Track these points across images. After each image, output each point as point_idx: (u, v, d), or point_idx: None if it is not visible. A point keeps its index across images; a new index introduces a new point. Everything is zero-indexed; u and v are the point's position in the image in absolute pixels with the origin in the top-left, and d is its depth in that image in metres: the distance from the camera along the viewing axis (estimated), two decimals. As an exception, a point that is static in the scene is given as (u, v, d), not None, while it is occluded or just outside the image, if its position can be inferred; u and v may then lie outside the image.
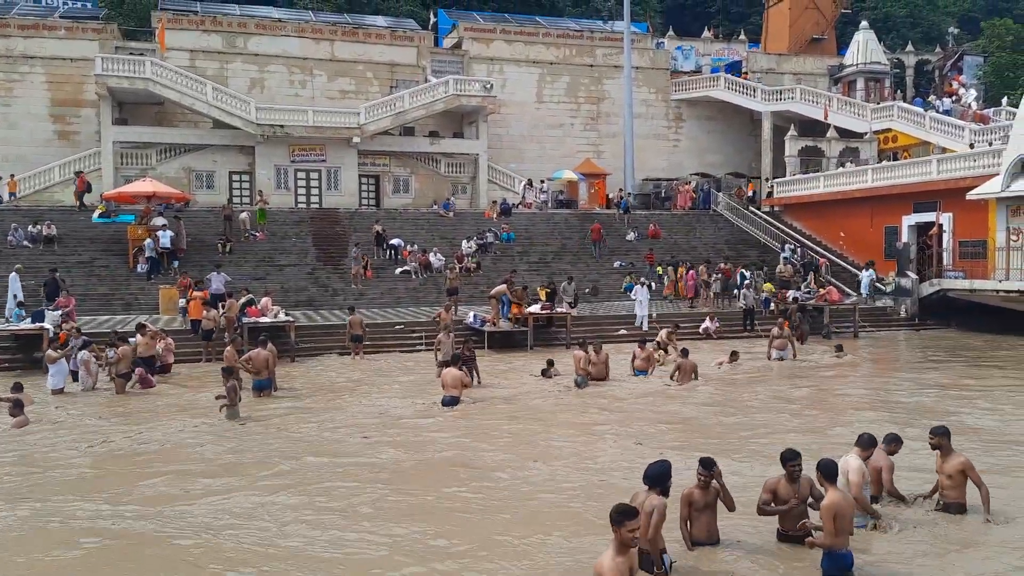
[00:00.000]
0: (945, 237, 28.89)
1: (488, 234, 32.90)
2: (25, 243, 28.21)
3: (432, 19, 46.60)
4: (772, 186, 38.60)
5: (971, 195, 26.84)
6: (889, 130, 37.66)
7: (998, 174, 26.13)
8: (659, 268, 31.63)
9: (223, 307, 21.90)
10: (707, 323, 25.01)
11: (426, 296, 28.39)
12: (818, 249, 33.78)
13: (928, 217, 29.71)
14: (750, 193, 39.45)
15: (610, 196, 39.63)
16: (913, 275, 28.69)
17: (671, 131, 43.96)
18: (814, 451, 9.17)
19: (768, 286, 28.36)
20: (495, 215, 35.26)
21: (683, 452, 10.58)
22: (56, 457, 11.44)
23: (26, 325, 20.10)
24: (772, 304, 26.79)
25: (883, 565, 7.31)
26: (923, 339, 25.53)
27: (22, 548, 7.96)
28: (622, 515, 5.70)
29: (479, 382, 17.10)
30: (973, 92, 44.07)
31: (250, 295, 23.19)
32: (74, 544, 8.06)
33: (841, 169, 35.25)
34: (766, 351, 20.74)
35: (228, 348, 17.49)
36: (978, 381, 17.48)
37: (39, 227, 28.63)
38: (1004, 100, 41.20)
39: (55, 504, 9.24)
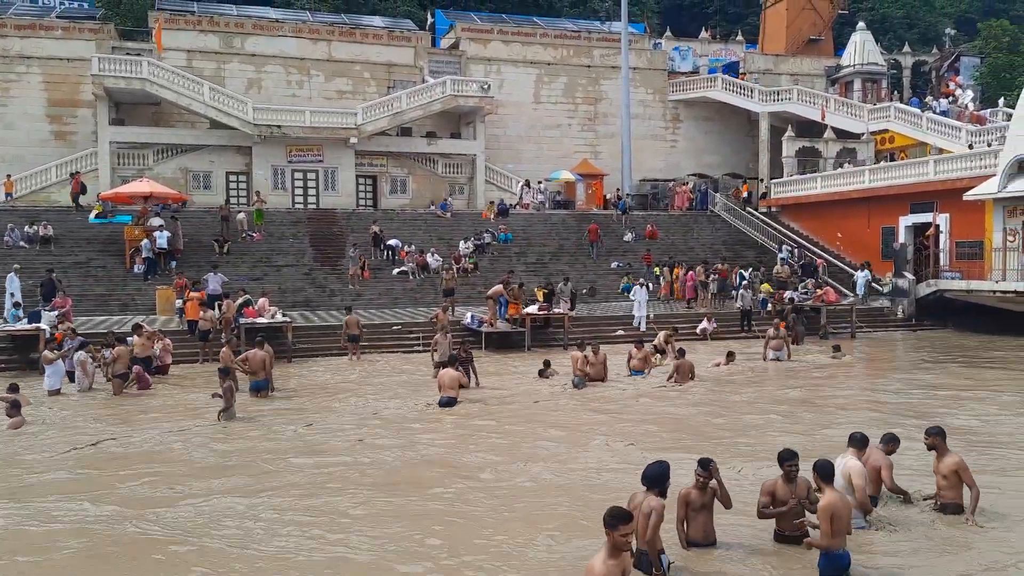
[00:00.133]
0: (942, 238, 28.95)
1: (485, 235, 32.90)
2: (21, 243, 28.16)
3: (429, 19, 46.55)
4: (768, 187, 38.64)
5: (968, 196, 26.88)
6: (886, 131, 37.69)
7: (995, 175, 26.19)
8: (656, 269, 31.64)
9: (219, 307, 21.87)
10: (704, 324, 25.04)
11: (423, 297, 28.37)
12: (815, 250, 33.81)
13: (925, 218, 29.75)
14: (745, 194, 39.47)
15: (607, 197, 39.66)
16: (910, 276, 28.72)
17: (668, 132, 43.99)
18: (809, 451, 9.18)
19: (766, 287, 28.38)
20: (492, 216, 35.25)
21: (679, 453, 10.56)
22: (37, 459, 11.38)
23: (22, 326, 20.07)
24: (769, 305, 26.81)
25: (879, 565, 7.31)
26: (919, 340, 25.56)
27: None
28: (616, 519, 5.66)
29: (477, 383, 17.08)
30: (970, 93, 44.12)
31: (247, 296, 23.18)
32: (54, 547, 7.99)
33: (839, 170, 35.30)
34: (762, 352, 20.76)
35: (224, 349, 17.45)
36: (975, 381, 17.51)
37: (36, 227, 28.58)
38: (1001, 101, 41.29)
39: (38, 506, 9.19)
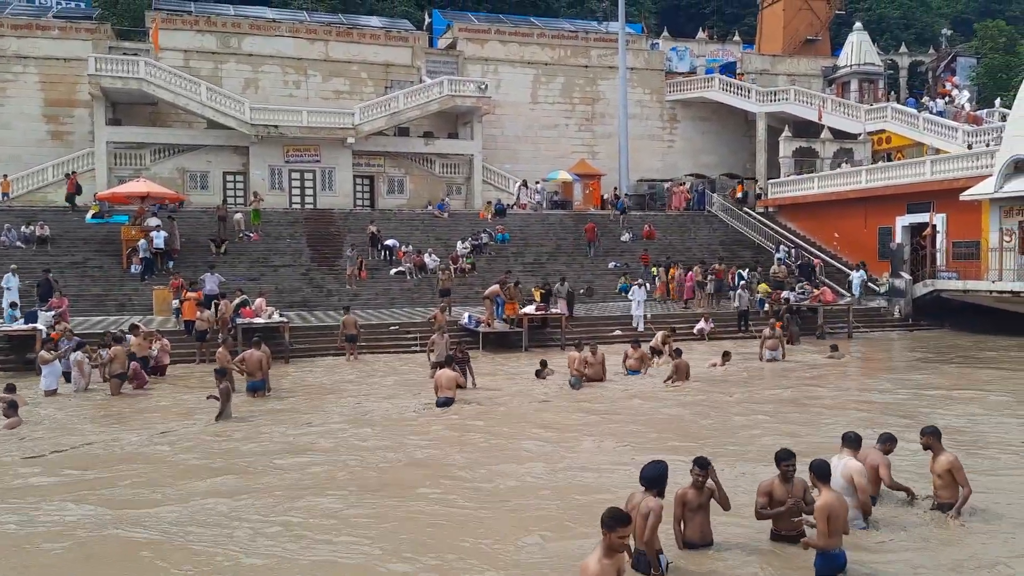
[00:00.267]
0: (938, 238, 28.98)
1: (483, 235, 32.89)
2: (18, 244, 28.12)
3: (427, 19, 46.55)
4: (764, 187, 38.65)
5: (964, 196, 26.93)
6: (883, 131, 37.73)
7: (991, 175, 26.24)
8: (653, 269, 31.66)
9: (216, 308, 21.84)
10: (701, 324, 25.06)
11: (421, 297, 28.36)
12: (812, 250, 33.84)
13: (922, 218, 29.78)
14: (740, 194, 39.49)
15: (605, 197, 39.67)
16: (907, 276, 28.76)
17: (666, 132, 44.01)
18: (802, 452, 9.17)
19: (763, 287, 28.41)
20: (490, 216, 35.24)
21: (676, 453, 10.55)
22: (23, 460, 11.36)
23: (19, 326, 20.04)
24: (767, 305, 26.84)
25: (875, 565, 7.31)
26: (916, 340, 25.61)
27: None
28: (614, 520, 5.65)
29: (474, 384, 17.05)
30: (966, 93, 44.19)
31: (244, 296, 23.15)
32: (37, 549, 7.94)
33: (835, 170, 35.33)
34: (758, 352, 20.79)
35: (221, 349, 17.41)
36: (967, 381, 17.54)
37: (32, 227, 28.53)
38: (997, 101, 41.33)
39: (15, 505, 9.18)
